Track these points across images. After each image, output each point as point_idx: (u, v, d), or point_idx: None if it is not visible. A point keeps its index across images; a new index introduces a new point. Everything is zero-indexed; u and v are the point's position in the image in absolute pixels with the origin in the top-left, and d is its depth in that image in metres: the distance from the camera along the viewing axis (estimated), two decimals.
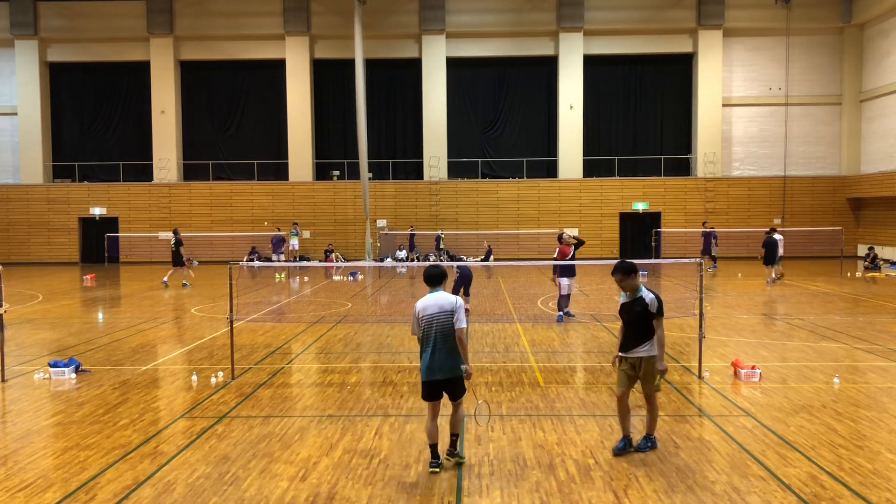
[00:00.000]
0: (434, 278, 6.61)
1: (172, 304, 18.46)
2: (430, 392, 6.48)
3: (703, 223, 29.83)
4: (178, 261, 22.75)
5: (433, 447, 6.45)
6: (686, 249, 31.57)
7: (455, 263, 15.55)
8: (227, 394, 9.17)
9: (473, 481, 6.19)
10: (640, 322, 6.74)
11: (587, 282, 23.16)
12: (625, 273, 6.80)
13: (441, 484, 6.14)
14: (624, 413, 6.89)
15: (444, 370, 6.36)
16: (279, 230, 31.75)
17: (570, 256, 14.71)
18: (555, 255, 15.11)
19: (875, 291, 20.03)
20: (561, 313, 15.02)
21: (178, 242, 22.68)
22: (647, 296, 6.73)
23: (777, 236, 22.40)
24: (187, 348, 12.35)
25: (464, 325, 6.41)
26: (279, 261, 30.05)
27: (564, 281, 14.81)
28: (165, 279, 22.72)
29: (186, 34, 34.31)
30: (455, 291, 15.87)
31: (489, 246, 31.70)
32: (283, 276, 26.00)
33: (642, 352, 6.74)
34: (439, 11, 33.37)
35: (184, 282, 22.86)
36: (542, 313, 16.23)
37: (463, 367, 6.44)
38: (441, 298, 6.47)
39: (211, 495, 5.92)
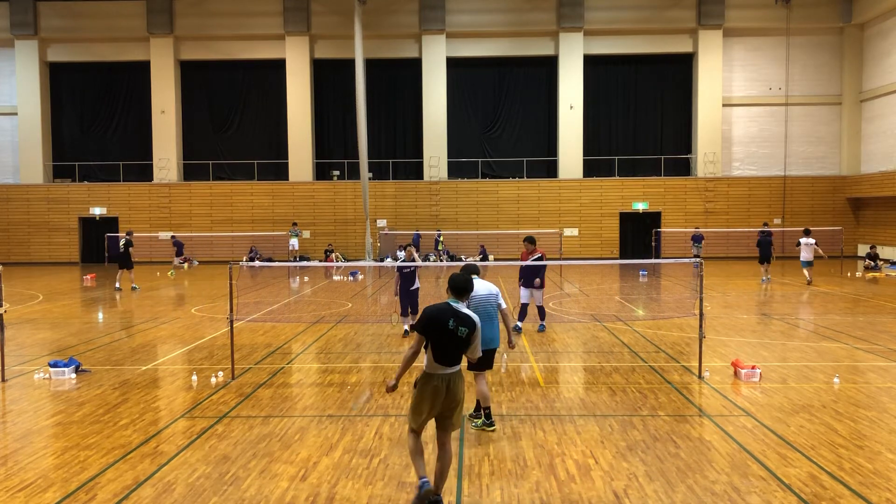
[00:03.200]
0: (474, 269, 7.70)
1: (172, 304, 18.46)
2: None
3: (764, 224, 27.64)
4: (125, 263, 21.63)
5: (486, 409, 7.64)
6: (684, 249, 31.55)
7: (401, 263, 12.96)
8: (227, 394, 9.17)
9: (473, 481, 6.19)
10: None
11: (588, 282, 23.19)
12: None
13: None
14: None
15: (485, 342, 7.09)
16: (174, 236, 31.45)
17: (535, 258, 12.91)
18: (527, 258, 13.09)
19: (875, 291, 20.03)
20: (519, 324, 13.29)
21: (129, 244, 21.68)
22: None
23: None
24: (187, 348, 12.35)
25: (505, 306, 7.94)
26: (181, 262, 30.43)
27: (524, 290, 13.30)
28: (129, 286, 21.63)
29: (186, 34, 34.30)
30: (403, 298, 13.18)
31: (482, 246, 32.38)
32: (173, 273, 26.73)
33: None
34: (439, 11, 33.36)
35: (116, 285, 21.53)
36: None
37: (514, 336, 8.20)
38: (486, 285, 7.86)
39: (211, 495, 5.92)
